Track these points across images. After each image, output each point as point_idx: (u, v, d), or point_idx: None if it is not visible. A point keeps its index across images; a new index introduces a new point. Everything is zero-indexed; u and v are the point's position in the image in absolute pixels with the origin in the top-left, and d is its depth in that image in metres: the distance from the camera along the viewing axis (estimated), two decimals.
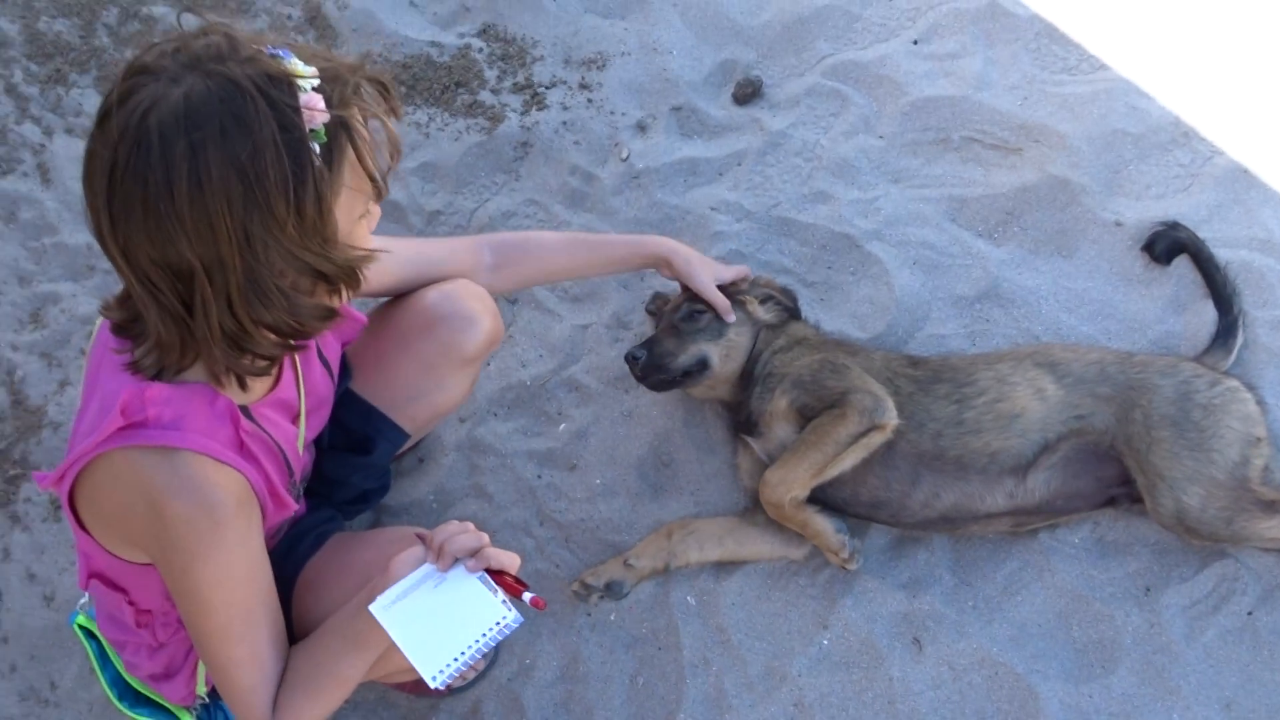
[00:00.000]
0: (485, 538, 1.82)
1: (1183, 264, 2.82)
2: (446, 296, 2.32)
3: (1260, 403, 2.44)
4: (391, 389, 2.32)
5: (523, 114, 3.47)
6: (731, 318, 2.64)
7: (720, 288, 2.66)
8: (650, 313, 2.94)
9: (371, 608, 1.76)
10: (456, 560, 1.80)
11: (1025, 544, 2.52)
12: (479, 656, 1.75)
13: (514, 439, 2.91)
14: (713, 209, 3.18)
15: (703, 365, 2.62)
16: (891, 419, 2.41)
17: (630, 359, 2.59)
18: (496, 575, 1.81)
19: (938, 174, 3.13)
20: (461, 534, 1.81)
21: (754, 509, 2.62)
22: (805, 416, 2.49)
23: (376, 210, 1.82)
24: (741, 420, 2.65)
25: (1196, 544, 2.39)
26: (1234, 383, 2.43)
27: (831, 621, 2.49)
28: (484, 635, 1.75)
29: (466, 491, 2.86)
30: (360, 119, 1.67)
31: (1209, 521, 2.28)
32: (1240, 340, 2.64)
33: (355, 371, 2.30)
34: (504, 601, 1.78)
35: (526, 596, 1.80)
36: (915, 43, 3.39)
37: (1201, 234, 2.79)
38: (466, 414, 2.97)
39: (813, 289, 3.00)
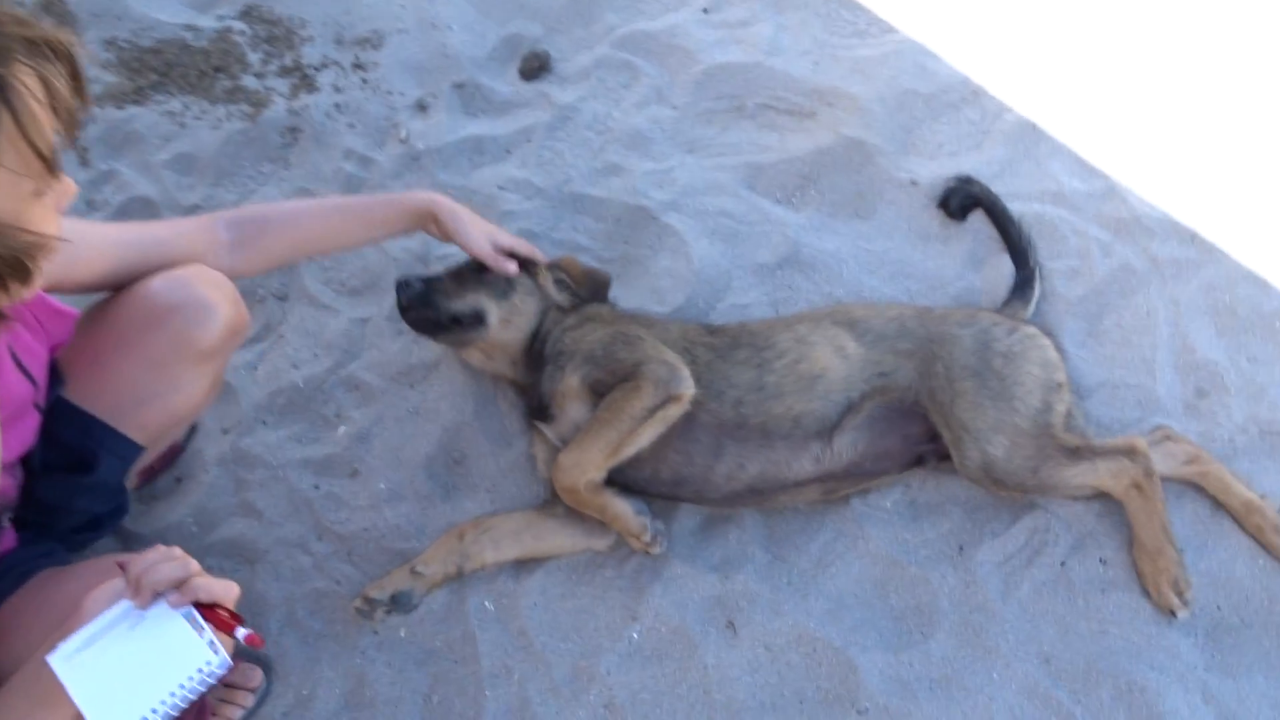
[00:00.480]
0: (193, 565, 1.56)
1: (979, 220, 2.82)
2: (174, 282, 2.05)
3: (1059, 349, 2.43)
4: (113, 394, 2.02)
5: (290, 98, 3.22)
6: (511, 269, 2.47)
7: (516, 259, 2.50)
8: None
9: (50, 658, 1.48)
10: (159, 595, 1.54)
11: (838, 512, 2.44)
12: (178, 710, 1.49)
13: (286, 448, 2.66)
14: (501, 188, 3.01)
15: (477, 319, 2.49)
16: (688, 388, 2.28)
17: (401, 284, 2.46)
18: (207, 610, 1.56)
19: (733, 141, 3.06)
20: (164, 563, 1.54)
21: (553, 501, 2.45)
22: (598, 394, 2.34)
23: (66, 186, 1.55)
24: (534, 405, 2.48)
25: (1005, 496, 2.36)
26: (1032, 329, 2.41)
27: (641, 612, 2.34)
28: (183, 686, 1.49)
29: (232, 510, 2.59)
30: (24, 83, 1.41)
31: (1015, 471, 2.24)
32: (1038, 291, 2.66)
33: (69, 377, 2.00)
34: (210, 643, 1.51)
35: (240, 633, 1.55)
36: (705, 11, 3.32)
37: (995, 189, 2.81)
38: (231, 424, 2.69)
39: (610, 265, 2.87)
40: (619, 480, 2.34)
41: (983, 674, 2.22)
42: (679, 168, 3.00)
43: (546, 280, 2.56)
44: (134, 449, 2.09)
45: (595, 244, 2.91)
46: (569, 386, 2.38)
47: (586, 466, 2.27)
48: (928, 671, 2.24)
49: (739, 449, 2.32)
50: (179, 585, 1.54)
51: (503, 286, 2.51)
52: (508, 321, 2.51)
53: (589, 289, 2.60)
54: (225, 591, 1.58)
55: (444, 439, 2.64)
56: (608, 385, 2.32)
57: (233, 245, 2.20)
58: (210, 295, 2.06)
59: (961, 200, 2.80)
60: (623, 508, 2.33)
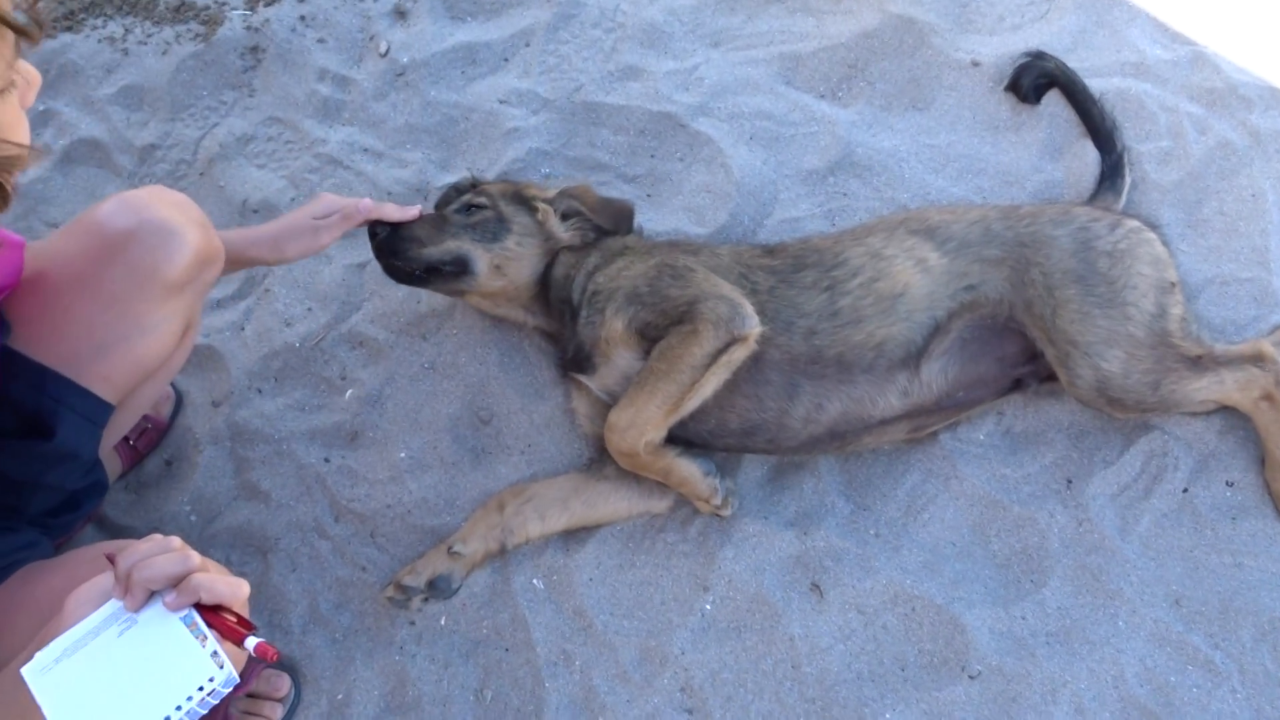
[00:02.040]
0: (194, 559, 1.33)
1: (1053, 101, 2.58)
2: (129, 205, 1.78)
3: (1166, 243, 2.20)
4: (68, 340, 1.77)
5: (247, 12, 2.91)
6: (411, 212, 2.26)
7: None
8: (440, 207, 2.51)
9: (24, 670, 1.27)
10: (153, 594, 1.32)
11: (924, 451, 2.24)
12: None
13: (288, 418, 2.43)
14: (502, 102, 2.74)
15: (460, 266, 2.28)
16: (753, 326, 2.05)
17: (371, 232, 2.27)
18: (211, 614, 1.33)
19: (763, 30, 2.79)
20: (159, 555, 1.32)
21: (601, 460, 2.25)
22: (648, 338, 2.11)
23: (29, 74, 1.34)
24: (570, 357, 2.25)
25: (1120, 417, 2.16)
26: (1135, 222, 2.19)
27: (712, 581, 2.15)
28: (179, 708, 1.27)
29: (234, 494, 2.38)
30: None
31: (1134, 389, 2.03)
32: (1129, 179, 2.44)
33: (15, 324, 1.75)
34: (213, 654, 1.29)
35: (250, 643, 1.32)
36: None
37: (1068, 64, 2.55)
38: (221, 395, 2.46)
39: (636, 184, 2.61)
40: (679, 435, 2.13)
41: (1106, 623, 2.04)
42: (705, 65, 2.73)
43: (549, 217, 2.32)
44: (100, 406, 1.83)
45: (617, 160, 2.65)
46: (613, 332, 2.14)
47: (645, 426, 2.05)
48: (1044, 625, 2.06)
49: (816, 387, 2.10)
50: (177, 583, 1.31)
51: (492, 228, 2.29)
52: (500, 268, 2.29)
53: (610, 220, 2.35)
54: (232, 591, 1.35)
55: (467, 396, 2.42)
56: (659, 328, 2.09)
57: None
58: (172, 218, 1.80)
59: (1034, 80, 2.56)
60: (690, 469, 2.12)
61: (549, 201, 2.34)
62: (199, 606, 1.32)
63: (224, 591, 1.33)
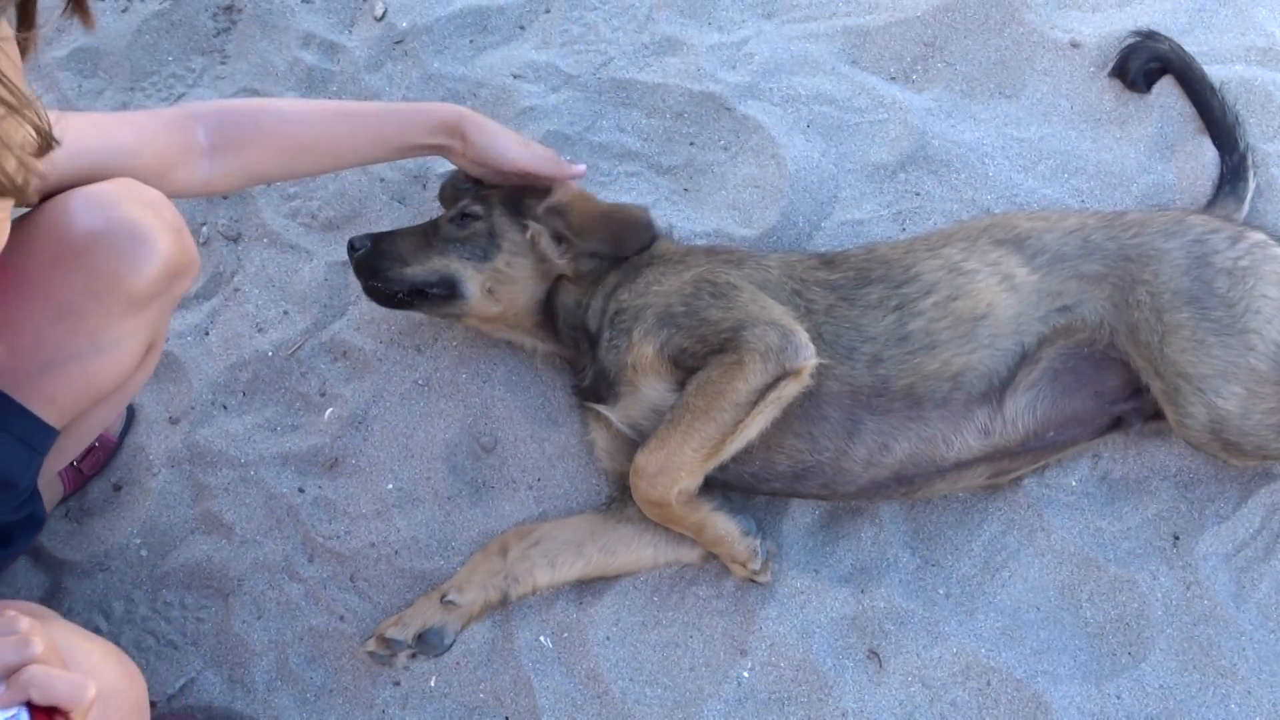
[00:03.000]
0: (35, 648, 1.34)
1: (1165, 90, 2.63)
2: (95, 203, 1.83)
3: None
4: (12, 354, 1.83)
5: None
6: (581, 168, 2.41)
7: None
8: (443, 201, 2.60)
9: None
10: None
11: (1005, 498, 2.29)
12: None
13: (257, 439, 2.51)
14: (516, 76, 2.83)
15: (449, 288, 2.35)
16: (808, 358, 2.11)
17: (350, 246, 2.36)
18: (44, 717, 1.36)
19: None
20: None
21: (622, 499, 2.31)
22: (683, 367, 2.17)
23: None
24: (587, 385, 2.31)
25: (1238, 464, 2.20)
26: (1260, 236, 2.23)
27: (752, 644, 2.20)
28: None
29: (192, 526, 2.46)
30: None
31: (1255, 430, 2.08)
32: (1253, 184, 2.48)
33: None
34: None
35: None
36: None
37: (1185, 47, 2.60)
38: (181, 410, 2.54)
39: (671, 176, 2.68)
40: (715, 477, 2.19)
41: (1216, 706, 2.09)
42: (755, 38, 2.80)
43: (540, 237, 2.36)
44: (41, 430, 1.89)
45: (650, 147, 2.72)
46: (642, 358, 2.20)
47: (678, 472, 2.10)
48: (1143, 705, 2.10)
49: (880, 424, 2.16)
50: (8, 675, 1.34)
51: (483, 244, 2.35)
52: (493, 292, 2.36)
53: (607, 242, 2.35)
54: (72, 693, 1.34)
55: (467, 420, 2.48)
56: (696, 356, 2.14)
57: (213, 150, 2.04)
58: (143, 220, 1.86)
59: (1143, 64, 2.61)
60: (727, 527, 2.19)
61: (538, 218, 2.37)
62: (30, 706, 1.33)
63: (61, 692, 1.33)
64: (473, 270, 2.35)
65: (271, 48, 2.93)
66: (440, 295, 2.36)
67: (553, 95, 2.79)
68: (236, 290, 2.66)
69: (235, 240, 2.72)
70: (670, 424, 2.12)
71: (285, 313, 2.63)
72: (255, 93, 2.89)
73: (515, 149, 2.31)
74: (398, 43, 2.89)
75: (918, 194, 2.60)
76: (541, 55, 2.85)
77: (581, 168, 2.40)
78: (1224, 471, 2.25)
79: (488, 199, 2.40)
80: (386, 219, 2.69)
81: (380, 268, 2.34)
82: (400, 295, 2.35)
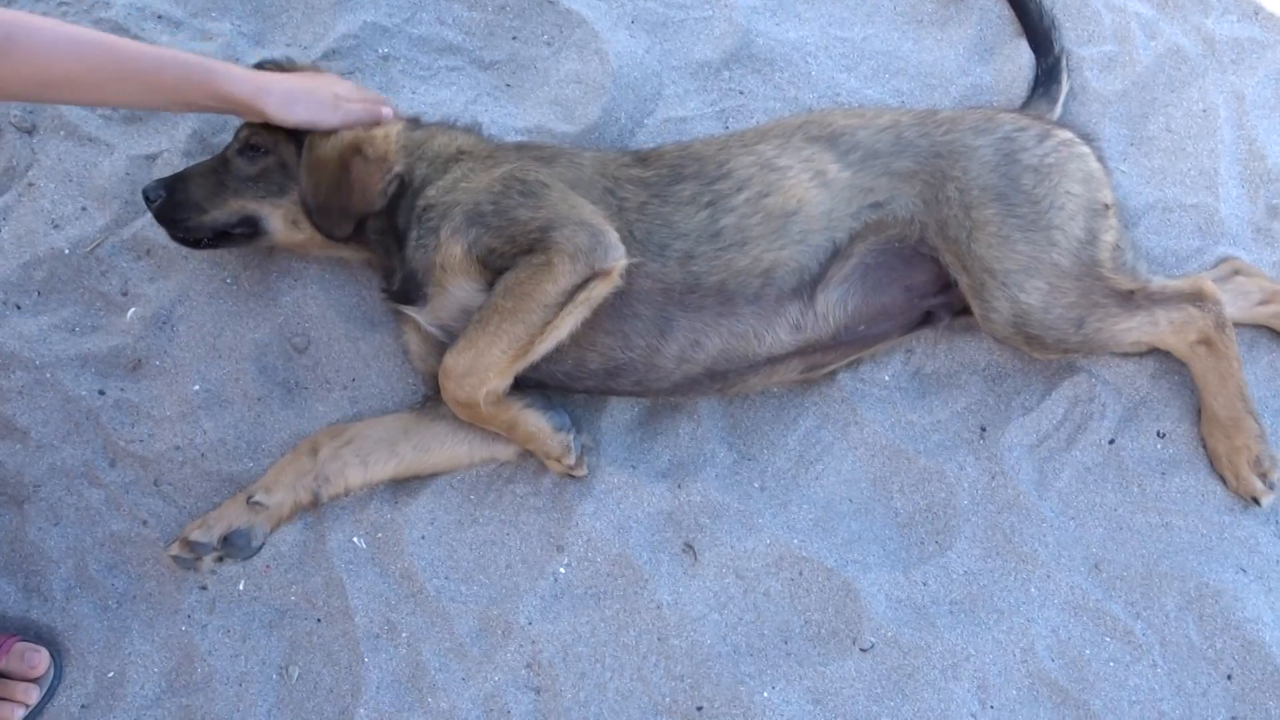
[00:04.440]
0: None
1: None
2: None
3: (1102, 159, 2.31)
4: None
5: None
6: (386, 112, 2.29)
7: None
8: None
9: None
10: None
11: (820, 393, 2.33)
12: None
13: (54, 340, 2.41)
14: None
15: (252, 227, 2.32)
16: (617, 258, 2.10)
17: (145, 197, 2.29)
18: None
19: None
20: None
21: (437, 399, 2.28)
22: (491, 268, 2.14)
23: None
24: (397, 288, 2.27)
25: (1040, 358, 2.28)
26: (1067, 134, 2.29)
27: (569, 540, 2.21)
28: None
29: None
30: None
31: (1055, 325, 2.14)
32: (1066, 87, 2.56)
33: None
34: None
35: None
36: None
37: None
38: None
39: (494, 71, 2.63)
40: (528, 376, 2.18)
41: (1017, 590, 2.17)
42: None
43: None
44: None
45: (471, 41, 2.67)
46: (450, 257, 2.16)
47: (486, 373, 2.09)
48: (947, 591, 2.18)
49: (692, 321, 2.17)
50: None
51: (276, 178, 2.30)
52: (297, 221, 2.31)
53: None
54: None
55: (278, 320, 2.42)
56: (504, 256, 2.12)
57: None
58: None
59: None
60: (539, 424, 2.18)
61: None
62: None
63: None
64: (270, 206, 2.30)
65: None
66: (245, 234, 2.32)
67: None
68: (31, 185, 2.53)
69: (30, 132, 2.58)
70: (478, 325, 2.10)
71: (84, 209, 2.51)
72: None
73: (324, 115, 2.23)
74: None
75: (741, 92, 2.60)
76: None
77: (389, 110, 2.32)
78: (1030, 366, 2.33)
79: (267, 134, 2.30)
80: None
81: (179, 218, 2.27)
82: (205, 240, 2.30)
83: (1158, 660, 2.11)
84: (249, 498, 2.21)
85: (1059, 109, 2.51)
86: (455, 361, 2.11)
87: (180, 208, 2.27)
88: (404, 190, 2.27)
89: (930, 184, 2.21)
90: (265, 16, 2.71)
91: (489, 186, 2.18)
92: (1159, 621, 2.13)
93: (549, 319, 2.08)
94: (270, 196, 2.29)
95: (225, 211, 2.29)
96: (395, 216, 2.27)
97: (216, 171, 2.30)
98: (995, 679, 2.10)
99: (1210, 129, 2.53)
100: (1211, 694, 2.09)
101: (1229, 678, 2.10)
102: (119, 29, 2.65)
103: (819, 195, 2.20)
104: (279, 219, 2.30)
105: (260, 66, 2.35)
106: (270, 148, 2.28)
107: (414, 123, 2.38)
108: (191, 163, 2.49)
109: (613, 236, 2.11)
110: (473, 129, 2.41)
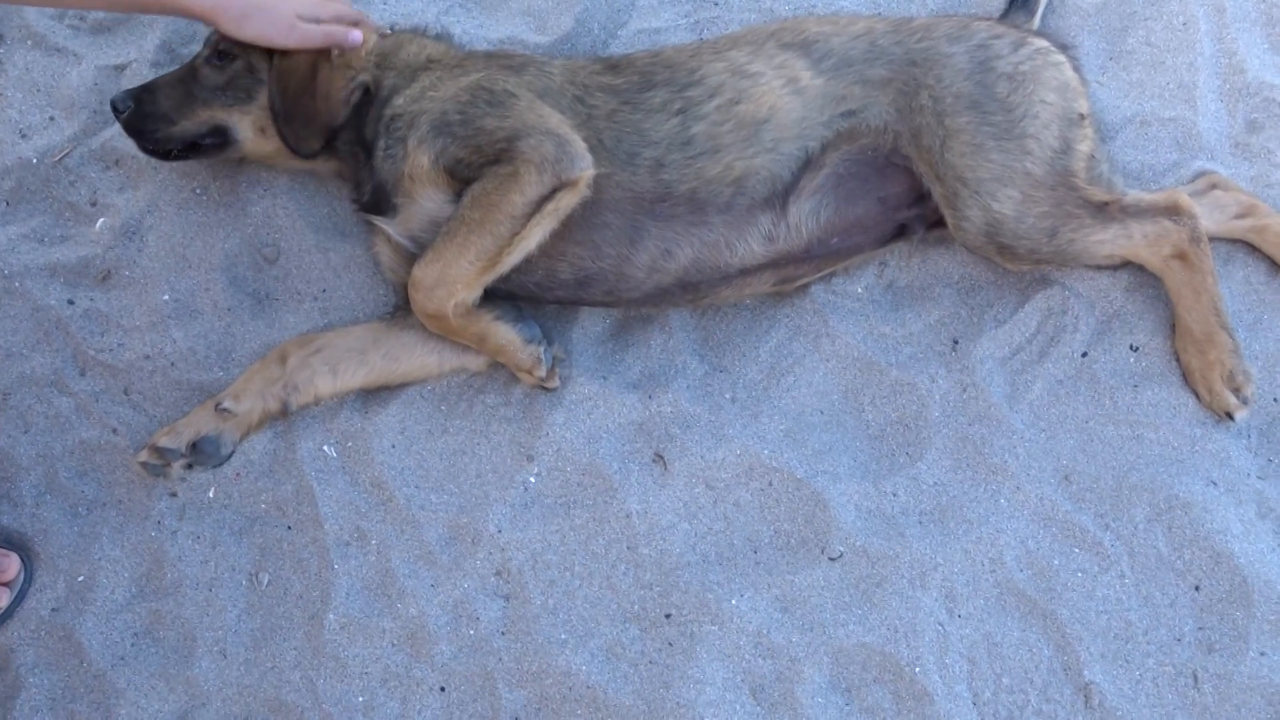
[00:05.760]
0: None
1: None
2: None
3: (1078, 69, 2.29)
4: None
5: None
6: (353, 38, 2.24)
7: None
8: None
9: None
10: None
11: (793, 305, 2.33)
12: None
13: (22, 250, 2.41)
14: None
15: (222, 137, 2.30)
16: (584, 168, 2.09)
17: (113, 108, 2.27)
18: None
19: None
20: None
21: (408, 309, 2.27)
22: (459, 178, 2.13)
23: None
24: (367, 199, 2.26)
25: (1012, 269, 2.27)
26: (1042, 42, 2.27)
27: (539, 449, 2.22)
28: None
29: None
30: None
31: (1027, 235, 2.14)
32: None
33: None
34: None
35: None
36: None
37: None
38: None
39: None
40: (499, 287, 2.18)
41: (987, 501, 2.18)
42: None
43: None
44: None
45: None
46: (417, 168, 2.15)
47: (454, 285, 2.09)
48: (916, 502, 2.19)
49: (663, 230, 2.16)
50: None
51: (245, 84, 2.27)
52: (265, 130, 2.30)
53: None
54: None
55: (248, 230, 2.41)
56: (472, 167, 2.11)
57: None
58: None
59: None
60: (509, 336, 2.18)
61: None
62: None
63: None
64: (239, 114, 2.28)
65: None
66: (214, 144, 2.30)
67: None
68: (1, 95, 2.52)
69: None
70: (446, 237, 2.10)
71: (51, 118, 2.50)
72: None
73: (278, 34, 2.16)
74: None
75: (716, 3, 2.58)
76: None
77: (357, 35, 2.24)
78: (1004, 278, 2.32)
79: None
80: (160, 19, 2.56)
81: (147, 129, 2.26)
82: (174, 151, 2.29)
83: (1126, 571, 2.12)
84: (217, 405, 2.22)
85: (1037, 20, 2.48)
86: (423, 273, 2.10)
87: (149, 119, 2.26)
88: (371, 99, 2.26)
89: (904, 92, 2.19)
90: None
91: (456, 96, 2.17)
92: (1128, 533, 2.14)
93: (516, 230, 2.07)
94: (239, 104, 2.27)
95: (194, 122, 2.27)
96: (364, 127, 2.26)
97: (185, 81, 2.28)
98: (963, 588, 2.11)
99: (1190, 42, 2.50)
100: (1179, 604, 2.11)
101: (1197, 588, 2.12)
102: None
103: (791, 103, 2.19)
104: (248, 126, 2.28)
105: None
106: (239, 53, 2.25)
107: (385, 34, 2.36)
108: (160, 73, 2.47)
109: (580, 146, 2.10)
110: (443, 37, 2.39)
